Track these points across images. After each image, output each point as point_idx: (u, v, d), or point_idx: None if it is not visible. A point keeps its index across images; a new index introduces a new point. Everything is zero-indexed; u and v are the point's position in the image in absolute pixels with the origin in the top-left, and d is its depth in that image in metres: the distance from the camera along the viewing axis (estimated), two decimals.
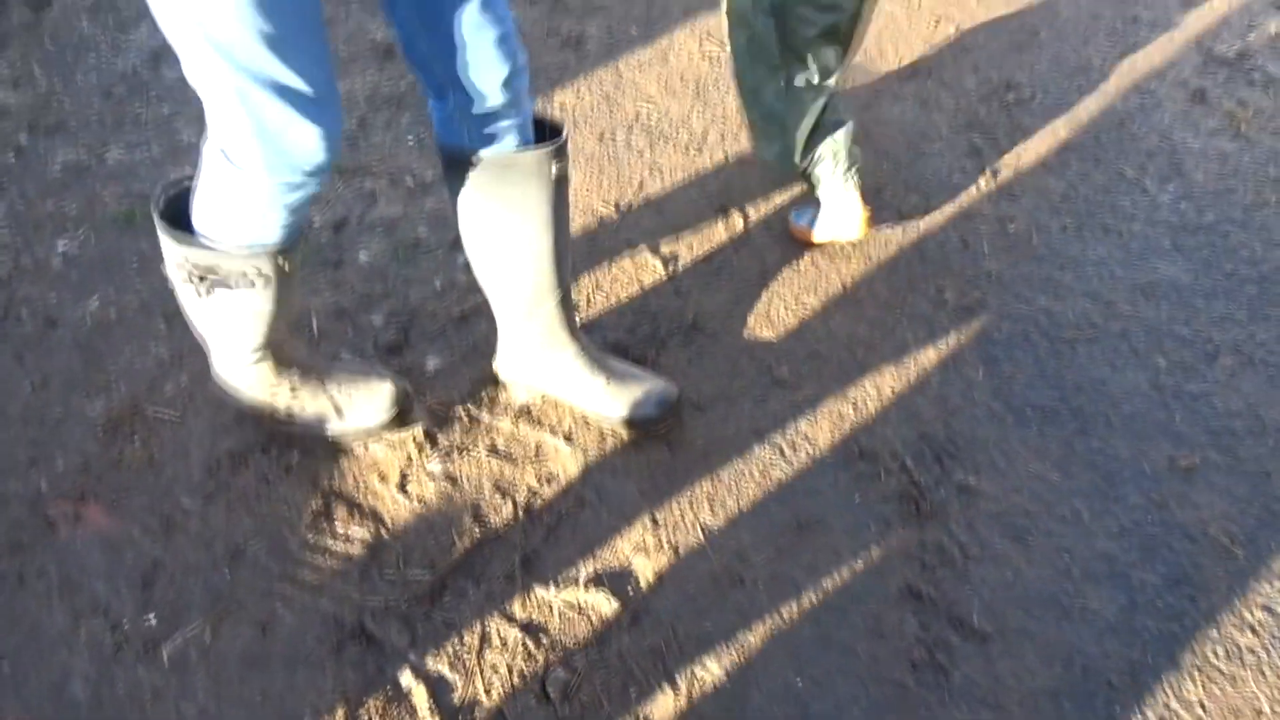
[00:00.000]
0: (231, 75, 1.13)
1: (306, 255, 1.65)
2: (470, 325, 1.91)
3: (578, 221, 2.11)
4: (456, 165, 1.46)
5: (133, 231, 2.11)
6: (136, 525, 1.60)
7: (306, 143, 1.23)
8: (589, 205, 2.16)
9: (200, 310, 1.49)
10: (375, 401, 1.68)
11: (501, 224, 1.51)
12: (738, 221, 2.12)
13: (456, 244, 2.07)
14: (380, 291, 1.99)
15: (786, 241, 2.06)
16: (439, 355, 1.86)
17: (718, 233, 2.09)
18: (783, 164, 1.93)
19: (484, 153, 1.42)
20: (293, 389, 1.65)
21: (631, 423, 1.69)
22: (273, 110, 1.17)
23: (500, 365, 1.77)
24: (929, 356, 1.84)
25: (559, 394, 1.74)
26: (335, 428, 1.68)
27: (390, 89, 2.51)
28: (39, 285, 2.01)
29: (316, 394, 1.67)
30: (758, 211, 2.14)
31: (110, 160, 2.32)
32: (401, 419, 1.71)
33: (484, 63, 1.30)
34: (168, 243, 1.41)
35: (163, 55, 2.69)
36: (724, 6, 1.85)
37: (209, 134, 1.27)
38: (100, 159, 2.31)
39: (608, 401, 1.69)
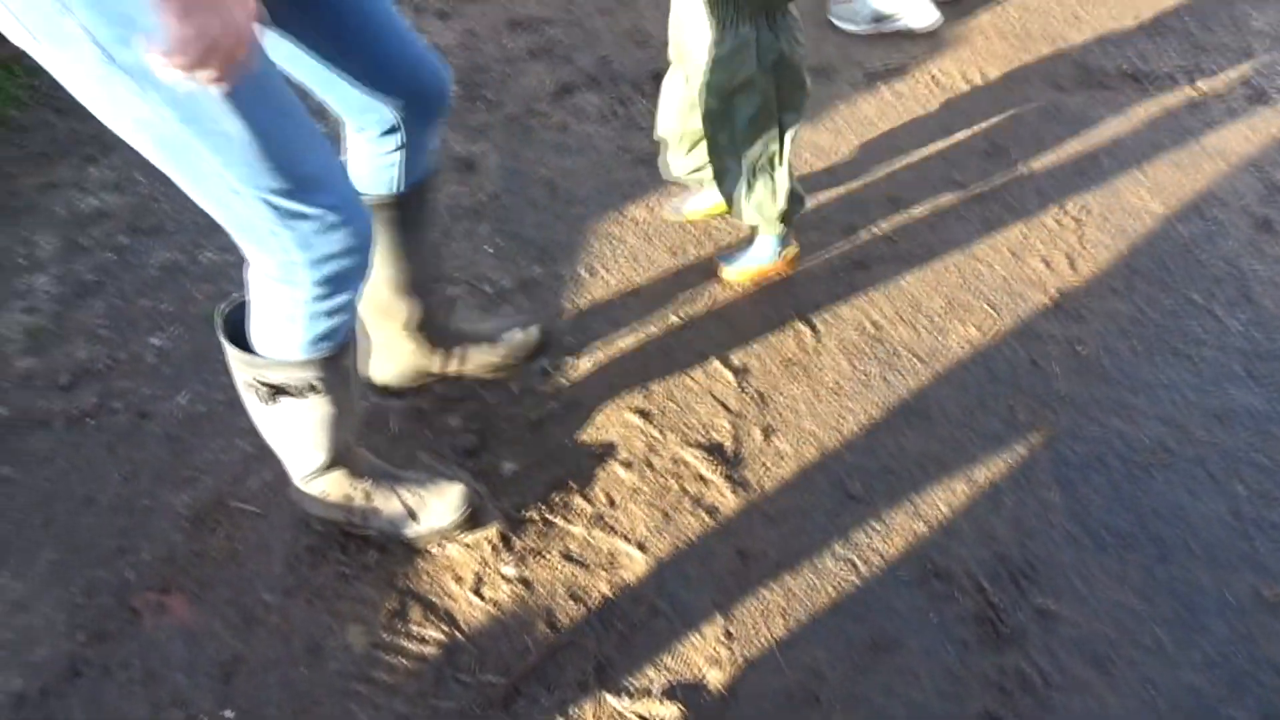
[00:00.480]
0: (263, 208, 1.20)
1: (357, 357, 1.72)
2: (546, 430, 1.95)
3: (651, 332, 2.17)
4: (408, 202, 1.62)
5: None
6: (218, 618, 1.63)
7: (363, 234, 1.31)
8: (662, 316, 2.21)
9: (269, 421, 1.55)
10: (447, 503, 1.71)
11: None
12: (807, 335, 2.16)
13: (539, 351, 2.13)
14: (458, 395, 2.04)
15: (857, 354, 2.10)
16: (515, 459, 1.90)
17: (788, 345, 2.13)
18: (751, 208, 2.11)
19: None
20: (366, 494, 1.70)
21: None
22: (307, 225, 1.24)
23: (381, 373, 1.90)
24: (1002, 476, 1.84)
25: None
26: (409, 531, 1.72)
27: (470, 201, 2.62)
28: (133, 379, 2.09)
29: (389, 499, 1.71)
30: (826, 325, 2.18)
31: (204, 261, 2.43)
32: (474, 520, 1.74)
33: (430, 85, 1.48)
34: (232, 359, 1.47)
35: None
36: (707, 80, 1.91)
37: (251, 263, 1.34)
38: (194, 260, 2.42)
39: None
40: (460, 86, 3.17)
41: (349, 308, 1.41)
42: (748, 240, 2.30)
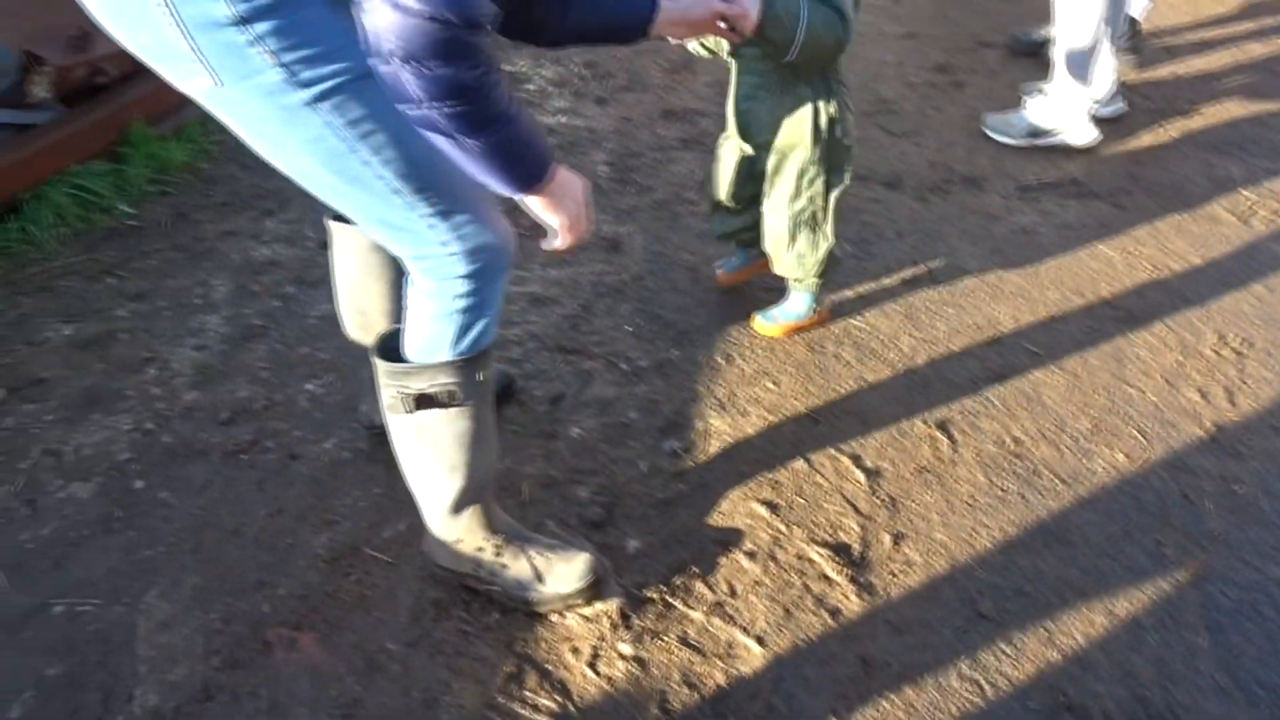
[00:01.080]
0: (422, 204, 1.35)
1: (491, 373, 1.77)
2: (672, 511, 1.96)
3: (783, 424, 2.17)
4: None
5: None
6: (343, 661, 1.68)
7: (503, 234, 1.45)
8: (795, 410, 2.21)
9: (411, 442, 1.61)
10: (573, 570, 1.74)
11: None
12: (944, 444, 2.12)
13: (665, 431, 2.16)
14: (589, 468, 2.07)
15: (994, 469, 2.05)
16: (640, 537, 1.91)
17: (923, 453, 2.10)
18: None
19: None
20: (497, 548, 1.74)
21: None
22: (459, 218, 1.38)
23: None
24: (1146, 612, 1.75)
25: None
26: (533, 594, 1.74)
27: (614, 280, 2.70)
28: (286, 421, 2.20)
29: (518, 557, 1.74)
30: (965, 436, 2.14)
31: None
32: (596, 592, 1.76)
33: None
34: (381, 372, 1.56)
35: None
36: (766, 139, 2.16)
37: (413, 277, 1.48)
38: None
39: None
40: (612, 170, 3.29)
41: (491, 307, 1.51)
42: (782, 295, 2.46)
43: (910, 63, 4.11)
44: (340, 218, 1.76)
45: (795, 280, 2.36)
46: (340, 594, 1.80)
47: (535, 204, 1.36)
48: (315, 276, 2.70)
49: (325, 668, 1.67)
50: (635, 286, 2.67)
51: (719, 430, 2.16)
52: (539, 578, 1.74)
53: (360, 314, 1.90)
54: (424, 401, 1.54)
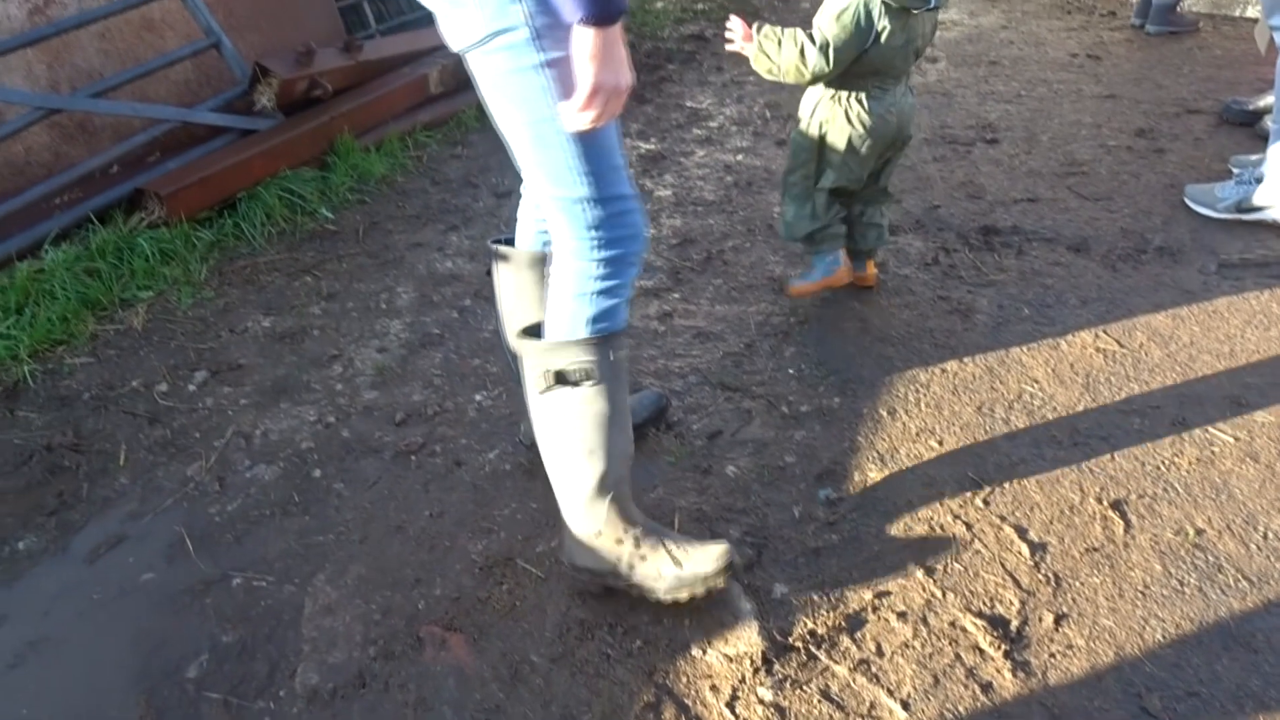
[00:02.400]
0: (588, 188, 1.52)
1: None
2: (822, 561, 1.93)
3: (944, 485, 2.11)
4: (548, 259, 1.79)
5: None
6: (489, 666, 1.73)
7: (642, 230, 1.62)
8: (958, 471, 2.15)
9: (554, 425, 1.69)
10: (710, 553, 1.78)
11: None
12: (1117, 525, 2.01)
13: (821, 479, 2.13)
14: (741, 507, 2.07)
15: (1172, 558, 1.93)
16: (787, 583, 1.89)
17: (1094, 532, 2.00)
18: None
19: None
20: (636, 540, 1.78)
21: None
22: (612, 206, 1.56)
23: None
24: None
25: None
26: (673, 579, 1.76)
27: (780, 321, 2.70)
28: (455, 428, 2.30)
29: (656, 547, 1.79)
30: (1141, 520, 2.02)
31: None
32: (733, 573, 1.81)
33: None
34: (525, 350, 1.67)
35: None
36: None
37: (558, 257, 1.62)
38: None
39: None
40: None
41: (624, 292, 1.64)
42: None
43: (1108, 125, 3.95)
44: (503, 241, 1.96)
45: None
46: (491, 601, 1.86)
47: (587, 45, 1.34)
48: (492, 292, 2.80)
49: (471, 670, 1.72)
50: (801, 330, 2.66)
51: (877, 484, 2.12)
52: (678, 563, 1.78)
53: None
54: (562, 378, 1.65)
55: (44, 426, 2.36)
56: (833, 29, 2.27)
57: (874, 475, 2.15)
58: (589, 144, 1.48)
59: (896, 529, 2.01)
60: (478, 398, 2.41)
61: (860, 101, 2.40)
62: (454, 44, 1.48)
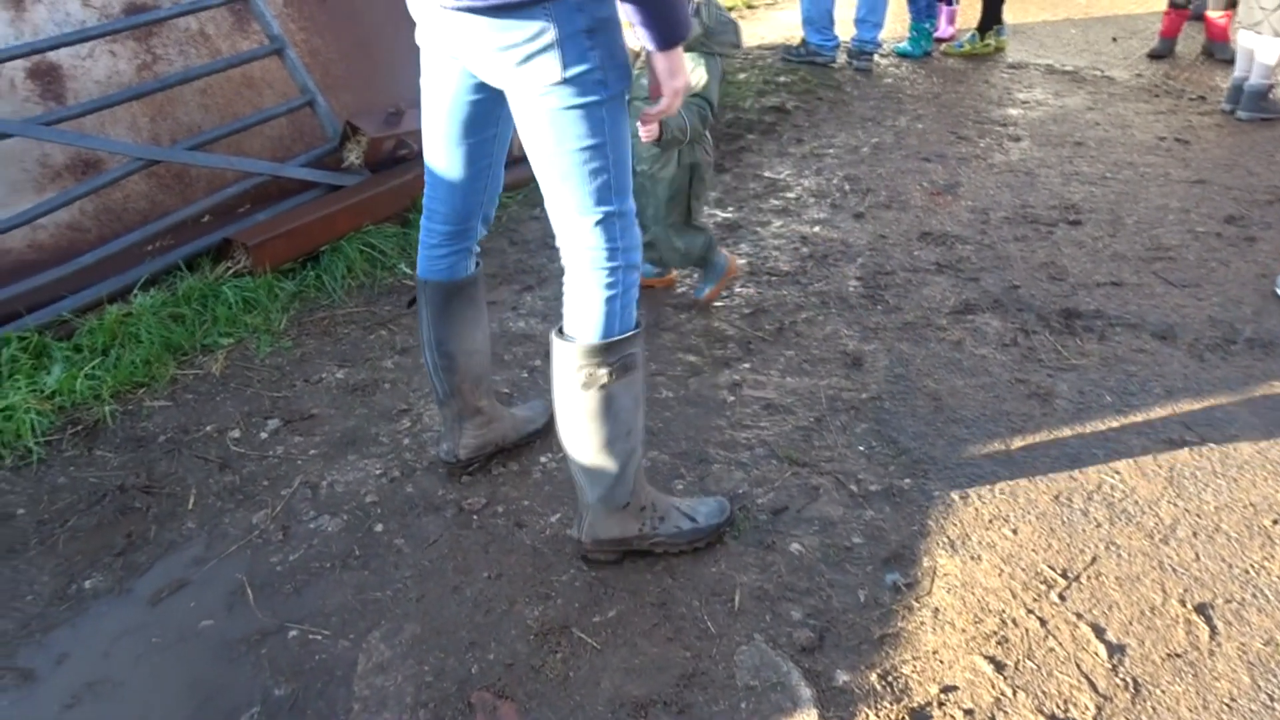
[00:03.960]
0: (611, 204, 1.76)
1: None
2: (887, 649, 1.86)
3: (1018, 577, 2.02)
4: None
5: None
6: None
7: (637, 239, 1.85)
8: (1032, 563, 2.06)
9: (599, 417, 1.86)
10: (715, 505, 2.13)
11: None
12: (1202, 631, 1.90)
13: (889, 562, 2.06)
14: (804, 587, 2.01)
15: (1262, 670, 1.81)
16: (850, 671, 1.82)
17: (1177, 636, 1.89)
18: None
19: None
20: (654, 504, 2.04)
21: None
22: (626, 220, 1.80)
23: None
24: None
25: None
26: (694, 533, 2.06)
27: (852, 396, 2.65)
28: (519, 489, 2.29)
29: (669, 509, 2.07)
30: (1228, 627, 1.91)
31: None
32: (731, 523, 2.15)
33: None
34: (579, 354, 1.81)
35: (662, 319, 3.07)
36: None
37: (572, 267, 1.81)
38: None
39: None
40: (862, 285, 3.26)
41: (634, 292, 1.86)
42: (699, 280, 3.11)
43: (1197, 210, 3.85)
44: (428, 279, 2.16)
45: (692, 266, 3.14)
46: (545, 670, 1.82)
47: (663, 64, 1.69)
48: None
49: None
50: (873, 406, 2.61)
51: (947, 571, 2.05)
52: (692, 519, 2.07)
53: None
54: (605, 374, 1.82)
55: (119, 467, 2.41)
56: (715, 92, 2.76)
57: (944, 561, 2.07)
58: (624, 164, 1.76)
59: (965, 620, 1.93)
60: (543, 459, 2.40)
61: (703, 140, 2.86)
62: (523, 87, 1.67)
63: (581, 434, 1.90)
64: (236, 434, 2.53)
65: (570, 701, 1.76)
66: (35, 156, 3.12)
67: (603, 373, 1.82)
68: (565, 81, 1.63)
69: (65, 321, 2.84)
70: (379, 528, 2.19)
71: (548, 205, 1.82)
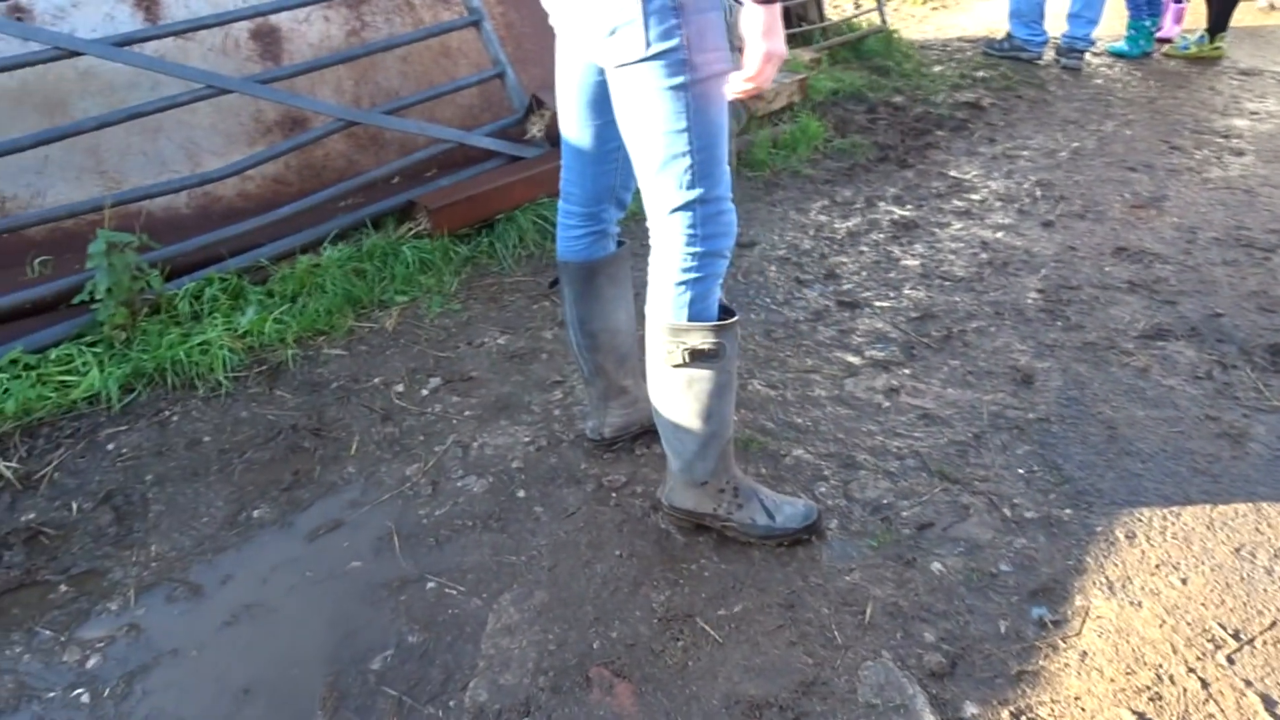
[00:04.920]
0: (697, 188, 1.75)
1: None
2: (1024, 687, 1.76)
3: (1181, 630, 1.87)
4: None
5: (748, 453, 2.34)
6: None
7: (735, 229, 1.86)
8: (1200, 617, 1.90)
9: (680, 395, 1.91)
10: (799, 511, 2.08)
11: None
12: None
13: (1037, 595, 1.95)
14: (941, 609, 1.93)
15: None
16: (980, 704, 1.74)
17: None
18: None
19: None
20: (734, 490, 2.05)
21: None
22: (712, 206, 1.78)
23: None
24: None
25: None
26: (766, 529, 2.05)
27: (1017, 415, 2.51)
28: (659, 472, 2.29)
29: (750, 499, 2.06)
30: None
31: (750, 389, 2.62)
32: (815, 531, 2.09)
33: None
34: (665, 330, 1.86)
35: (823, 315, 3.00)
36: None
37: (676, 255, 1.81)
38: (744, 386, 2.61)
39: None
40: (1042, 298, 3.09)
41: (715, 280, 1.85)
42: None
43: None
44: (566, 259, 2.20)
45: None
46: (665, 655, 1.83)
47: (759, 20, 1.61)
48: None
49: None
50: (1039, 428, 2.46)
51: (1101, 613, 1.92)
52: (771, 515, 2.05)
53: None
54: (695, 355, 1.86)
55: (294, 407, 2.57)
56: None
57: (1099, 602, 1.94)
58: (710, 151, 1.73)
59: (1116, 669, 1.80)
60: None
61: None
62: (611, 60, 1.69)
63: (663, 406, 1.97)
64: (400, 388, 2.65)
65: (686, 691, 1.76)
66: (250, 112, 3.36)
67: (679, 354, 1.86)
68: (649, 58, 1.63)
69: (262, 267, 3.04)
70: (521, 493, 2.25)
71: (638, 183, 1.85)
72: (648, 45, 1.63)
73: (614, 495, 2.24)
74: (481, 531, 2.14)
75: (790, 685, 1.76)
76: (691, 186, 1.75)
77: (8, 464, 2.33)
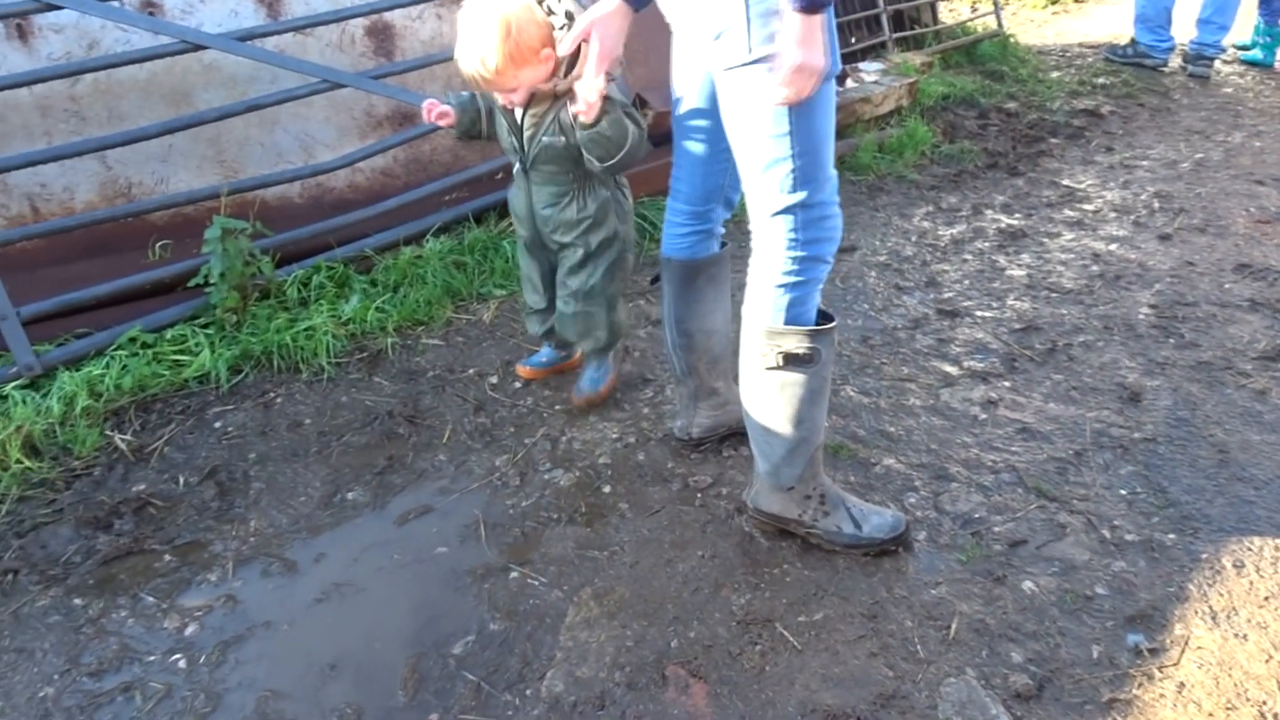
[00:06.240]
0: (799, 193, 1.74)
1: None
2: (1115, 714, 1.69)
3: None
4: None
5: (837, 460, 2.31)
6: None
7: (838, 234, 1.83)
8: None
9: (772, 398, 1.89)
10: (886, 521, 2.03)
11: None
12: None
13: (1134, 621, 1.88)
14: (1030, 630, 1.87)
15: None
16: None
17: None
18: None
19: None
20: (821, 497, 2.02)
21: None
22: (814, 211, 1.77)
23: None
24: None
25: None
26: (852, 537, 2.01)
27: (1122, 434, 2.41)
28: (745, 474, 2.28)
29: (837, 506, 2.03)
30: None
31: (843, 395, 2.58)
32: (902, 543, 2.05)
33: None
34: (762, 333, 1.85)
35: (922, 323, 2.94)
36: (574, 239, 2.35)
37: (776, 258, 1.79)
38: (837, 392, 2.58)
39: None
40: (1155, 314, 2.97)
41: (814, 285, 1.83)
42: (588, 366, 2.57)
43: None
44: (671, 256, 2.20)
45: (599, 350, 2.50)
46: (742, 658, 1.82)
47: (795, 29, 1.54)
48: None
49: None
50: (1145, 449, 2.36)
51: (1203, 645, 1.83)
52: (857, 525, 2.02)
53: None
54: (790, 359, 1.84)
55: (391, 395, 2.64)
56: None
57: (1201, 633, 1.85)
58: (814, 155, 1.70)
59: (1215, 703, 1.71)
60: None
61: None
62: (717, 63, 1.70)
63: (754, 409, 1.95)
64: (494, 380, 2.69)
65: (762, 696, 1.74)
66: (363, 106, 3.46)
67: (773, 357, 1.85)
68: (753, 62, 1.63)
69: (367, 257, 3.13)
70: (607, 489, 2.26)
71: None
72: (750, 50, 1.63)
73: (699, 495, 2.23)
74: (566, 525, 2.16)
75: (868, 697, 1.72)
76: (794, 190, 1.74)
77: (123, 436, 2.45)
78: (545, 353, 2.70)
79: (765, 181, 1.76)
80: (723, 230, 2.16)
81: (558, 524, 2.16)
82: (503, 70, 1.99)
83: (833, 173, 1.78)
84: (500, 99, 2.16)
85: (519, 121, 2.19)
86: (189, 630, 1.92)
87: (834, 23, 1.68)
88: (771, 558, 2.05)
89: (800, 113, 1.67)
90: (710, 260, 2.15)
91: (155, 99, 3.13)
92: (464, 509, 2.22)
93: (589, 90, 1.90)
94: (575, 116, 2.03)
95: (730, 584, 1.98)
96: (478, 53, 1.99)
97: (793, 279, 1.82)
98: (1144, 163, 4.26)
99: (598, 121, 2.00)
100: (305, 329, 2.81)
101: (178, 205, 2.99)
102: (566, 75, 2.08)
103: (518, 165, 2.31)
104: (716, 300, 2.20)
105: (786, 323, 1.84)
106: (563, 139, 2.15)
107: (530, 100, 2.13)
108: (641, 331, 2.92)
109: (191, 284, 2.81)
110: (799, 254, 1.80)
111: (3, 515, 2.21)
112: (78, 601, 1.99)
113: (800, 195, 1.74)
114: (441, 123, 2.29)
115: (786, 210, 1.76)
